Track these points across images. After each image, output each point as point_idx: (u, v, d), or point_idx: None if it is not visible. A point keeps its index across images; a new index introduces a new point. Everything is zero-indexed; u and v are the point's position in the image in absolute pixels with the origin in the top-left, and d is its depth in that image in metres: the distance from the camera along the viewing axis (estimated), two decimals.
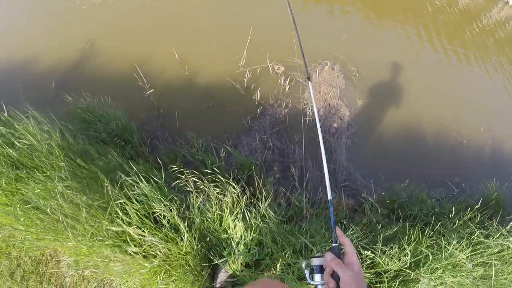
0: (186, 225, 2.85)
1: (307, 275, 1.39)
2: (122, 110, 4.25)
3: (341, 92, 5.32)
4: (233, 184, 3.21)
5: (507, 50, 7.15)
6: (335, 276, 1.27)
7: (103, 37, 5.68)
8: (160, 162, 3.29)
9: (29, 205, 2.82)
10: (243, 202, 3.02)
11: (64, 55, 5.43)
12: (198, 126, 4.59)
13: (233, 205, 3.04)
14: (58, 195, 2.75)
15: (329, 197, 1.57)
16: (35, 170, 3.02)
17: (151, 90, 4.64)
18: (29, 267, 3.52)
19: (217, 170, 3.36)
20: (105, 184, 2.83)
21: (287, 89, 5.14)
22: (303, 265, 1.41)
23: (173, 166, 3.39)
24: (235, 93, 5.01)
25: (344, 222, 3.66)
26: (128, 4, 6.25)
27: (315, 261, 1.38)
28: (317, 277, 1.36)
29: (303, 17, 6.43)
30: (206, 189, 3.12)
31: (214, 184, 3.17)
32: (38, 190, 2.84)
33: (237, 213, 2.99)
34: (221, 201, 3.07)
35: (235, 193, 3.12)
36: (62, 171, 2.99)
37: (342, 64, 5.63)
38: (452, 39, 6.81)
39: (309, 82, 1.98)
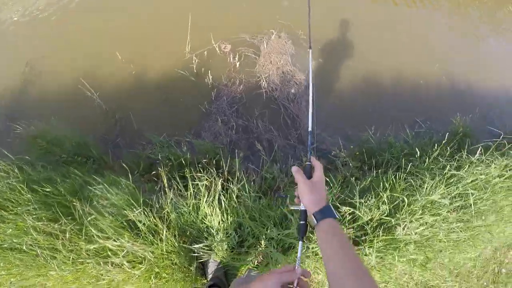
0: (162, 224, 2.86)
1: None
2: (73, 128, 4.21)
3: (292, 58, 5.31)
4: (212, 169, 3.22)
5: None
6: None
7: (41, 57, 5.50)
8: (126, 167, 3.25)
9: (4, 247, 2.78)
10: (219, 186, 3.03)
11: (5, 83, 5.27)
12: (156, 124, 4.57)
13: (208, 192, 3.04)
14: (31, 229, 2.73)
15: (309, 129, 1.69)
16: (2, 211, 2.97)
17: (100, 99, 4.62)
18: None
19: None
20: (74, 203, 2.81)
21: (237, 65, 5.12)
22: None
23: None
24: (187, 81, 4.97)
25: None
26: (56, 17, 6.03)
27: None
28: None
29: None
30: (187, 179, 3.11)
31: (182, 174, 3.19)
32: (10, 230, 2.81)
33: (212, 199, 3.00)
34: (196, 189, 3.06)
35: (212, 176, 3.13)
36: (30, 205, 2.94)
37: (288, 30, 5.59)
38: None
39: (310, 51, 1.98)
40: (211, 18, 5.62)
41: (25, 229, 2.80)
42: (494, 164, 3.15)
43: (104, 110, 4.69)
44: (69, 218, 2.87)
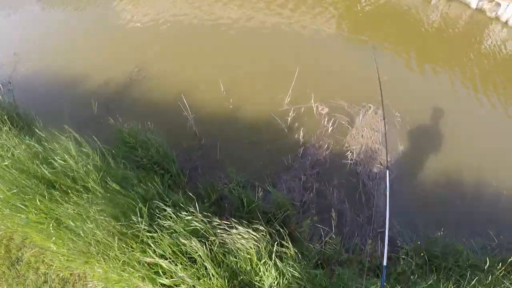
0: (215, 263, 2.78)
1: None
2: (164, 138, 4.27)
3: (383, 137, 5.18)
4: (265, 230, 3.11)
5: None
6: None
7: (151, 63, 5.85)
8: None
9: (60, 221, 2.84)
10: (274, 253, 2.89)
11: (112, 77, 5.64)
12: (238, 161, 4.57)
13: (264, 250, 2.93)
14: (91, 219, 2.75)
15: (384, 263, 1.61)
16: (69, 192, 3.04)
17: (193, 120, 4.70)
18: (56, 285, 3.49)
19: None
20: (144, 212, 2.82)
21: (330, 130, 5.07)
22: None
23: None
24: (278, 131, 5.00)
25: (377, 270, 3.53)
26: (178, 31, 6.41)
27: None
28: None
29: (349, 56, 6.45)
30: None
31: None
32: (72, 212, 2.85)
33: (265, 260, 2.87)
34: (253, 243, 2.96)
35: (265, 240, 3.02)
36: (98, 195, 2.99)
37: (385, 108, 5.49)
38: (494, 86, 6.54)
39: (387, 171, 1.95)
40: (316, 78, 5.70)
41: (86, 217, 2.81)
42: None
43: (193, 131, 4.79)
44: (131, 221, 2.85)
